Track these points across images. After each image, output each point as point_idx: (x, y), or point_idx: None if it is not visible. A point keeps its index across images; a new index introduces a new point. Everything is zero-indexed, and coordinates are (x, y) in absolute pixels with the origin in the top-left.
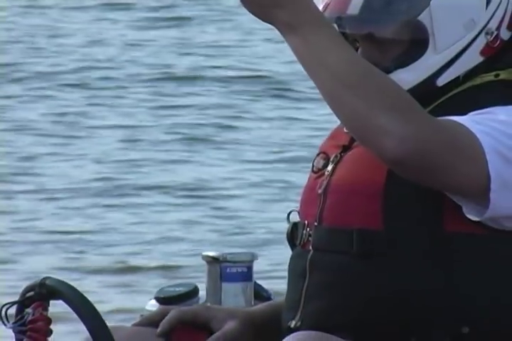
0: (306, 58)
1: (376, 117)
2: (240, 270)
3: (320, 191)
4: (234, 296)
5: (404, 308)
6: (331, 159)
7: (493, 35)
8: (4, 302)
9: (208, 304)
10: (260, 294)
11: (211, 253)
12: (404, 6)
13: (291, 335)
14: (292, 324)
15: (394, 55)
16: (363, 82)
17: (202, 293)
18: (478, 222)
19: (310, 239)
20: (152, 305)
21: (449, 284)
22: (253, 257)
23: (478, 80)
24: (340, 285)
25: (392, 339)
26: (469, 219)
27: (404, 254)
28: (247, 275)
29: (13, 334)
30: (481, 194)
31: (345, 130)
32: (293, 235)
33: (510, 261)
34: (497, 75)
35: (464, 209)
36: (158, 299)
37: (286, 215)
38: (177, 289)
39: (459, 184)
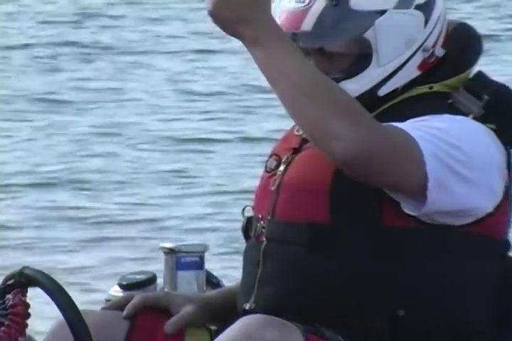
0: (268, 69)
1: (329, 123)
2: (193, 259)
3: (273, 188)
4: (188, 283)
5: (348, 293)
6: (283, 160)
7: (429, 52)
8: None
9: (166, 290)
10: (211, 281)
11: (167, 245)
12: (351, 24)
13: (242, 318)
14: (247, 306)
15: (342, 67)
16: (318, 92)
17: (159, 280)
18: (414, 216)
19: (263, 231)
20: (115, 291)
21: (387, 272)
22: (205, 248)
23: (414, 91)
24: (291, 272)
25: (336, 321)
26: (406, 214)
27: (348, 245)
28: (199, 264)
29: None
30: (419, 192)
31: (295, 133)
32: (247, 228)
33: (440, 252)
34: (431, 87)
35: (403, 205)
36: (120, 285)
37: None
38: (137, 276)
39: (400, 183)
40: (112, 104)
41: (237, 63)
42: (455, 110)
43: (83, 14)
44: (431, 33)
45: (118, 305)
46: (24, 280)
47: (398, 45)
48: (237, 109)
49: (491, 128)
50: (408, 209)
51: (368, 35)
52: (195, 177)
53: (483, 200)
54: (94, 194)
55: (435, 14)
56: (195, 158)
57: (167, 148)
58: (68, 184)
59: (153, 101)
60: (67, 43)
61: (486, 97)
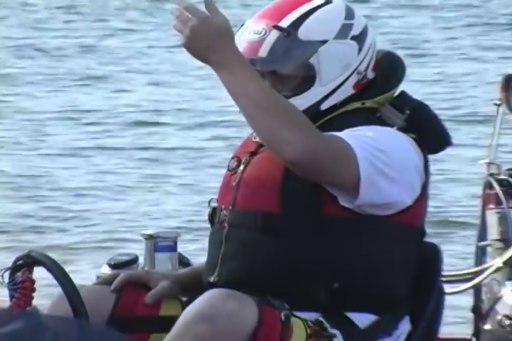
0: (232, 88)
1: (281, 132)
2: (168, 244)
3: (234, 184)
4: (164, 263)
5: (293, 270)
6: (243, 161)
7: (362, 75)
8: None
9: (146, 268)
10: (182, 261)
11: (147, 232)
12: (299, 51)
13: (207, 292)
14: (211, 279)
15: (291, 87)
16: (272, 106)
17: (141, 260)
18: (348, 208)
19: (226, 218)
20: (105, 269)
21: (326, 253)
22: (177, 234)
23: (350, 106)
24: (248, 252)
25: (284, 293)
26: (342, 206)
27: (295, 231)
28: (173, 248)
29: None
30: (353, 188)
31: (253, 140)
32: (213, 216)
33: (369, 237)
34: (363, 103)
35: (339, 199)
36: (109, 265)
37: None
38: (123, 258)
39: (337, 181)
40: None
41: None
42: (382, 122)
43: None
44: (363, 59)
45: (107, 281)
46: (30, 261)
47: (337, 69)
48: None
49: (412, 137)
50: (343, 202)
51: (313, 60)
52: None
53: (404, 195)
54: None
55: (367, 44)
56: None
57: None
58: None
59: None
60: None
61: (407, 112)
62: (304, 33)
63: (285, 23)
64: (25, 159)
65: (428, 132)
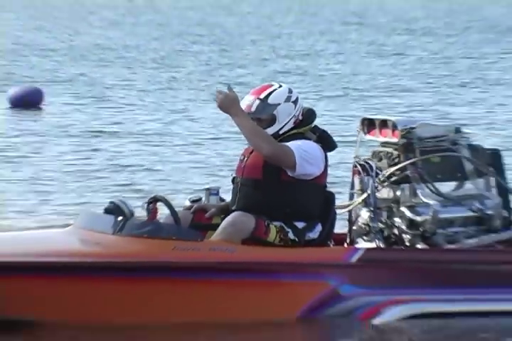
0: (240, 126)
1: (261, 144)
2: (215, 192)
3: (242, 166)
4: (213, 200)
5: (269, 204)
6: (246, 156)
7: (297, 118)
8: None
9: (205, 203)
10: (222, 199)
11: (207, 187)
12: (269, 109)
13: (232, 213)
14: (233, 208)
15: (265, 124)
16: (258, 133)
17: (203, 199)
18: (292, 176)
19: (239, 181)
20: (187, 203)
21: (283, 196)
22: (219, 188)
23: (292, 132)
24: (248, 196)
25: (266, 214)
26: (289, 176)
27: (269, 187)
28: (217, 194)
29: None
30: (293, 167)
31: (249, 148)
32: (233, 180)
33: (302, 189)
34: (297, 130)
35: (288, 172)
36: (189, 200)
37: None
38: (194, 198)
39: (286, 164)
40: None
41: None
42: (307, 138)
43: None
44: (297, 111)
45: (188, 208)
46: (156, 199)
47: (285, 116)
48: None
49: (319, 144)
50: (290, 174)
51: (275, 112)
52: None
53: (316, 171)
54: None
55: (299, 104)
56: None
57: None
58: None
59: None
60: None
61: (317, 134)
62: (270, 100)
63: (262, 96)
64: None
65: (325, 142)
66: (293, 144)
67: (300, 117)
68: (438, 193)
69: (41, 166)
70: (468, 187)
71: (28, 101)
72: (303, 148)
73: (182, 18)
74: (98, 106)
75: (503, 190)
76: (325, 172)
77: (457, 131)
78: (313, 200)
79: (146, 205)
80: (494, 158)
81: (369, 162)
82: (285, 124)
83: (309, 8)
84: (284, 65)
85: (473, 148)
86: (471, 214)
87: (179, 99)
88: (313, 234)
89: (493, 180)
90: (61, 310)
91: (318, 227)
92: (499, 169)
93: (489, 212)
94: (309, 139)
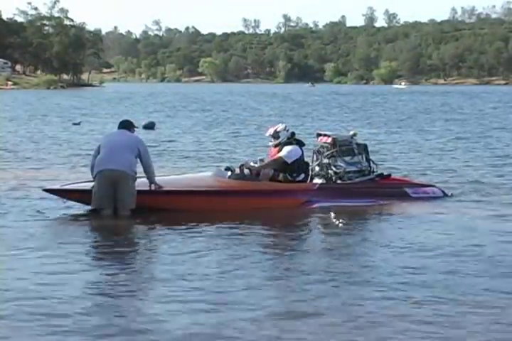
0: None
1: (269, 167)
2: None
3: (272, 155)
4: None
5: (283, 170)
6: (272, 151)
7: (288, 135)
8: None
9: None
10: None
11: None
12: (278, 133)
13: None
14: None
15: (276, 138)
16: (269, 167)
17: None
18: (290, 162)
19: (264, 158)
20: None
21: (289, 166)
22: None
23: (287, 141)
24: (267, 165)
25: (282, 172)
26: (288, 162)
27: (279, 165)
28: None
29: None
30: (286, 161)
31: (273, 147)
32: (262, 159)
33: (291, 165)
34: (288, 140)
35: (287, 161)
36: (226, 169)
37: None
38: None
39: (282, 162)
40: None
41: None
42: (292, 144)
43: None
44: (288, 133)
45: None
46: (242, 165)
47: (284, 135)
48: None
49: (297, 145)
50: (288, 162)
51: (280, 134)
52: None
53: (298, 157)
54: None
55: (289, 130)
56: None
57: None
58: None
59: None
60: None
61: (295, 141)
62: (278, 129)
63: (275, 128)
64: None
65: (300, 144)
66: (286, 149)
67: (289, 135)
68: (345, 161)
69: None
70: (356, 159)
71: (148, 127)
72: (288, 151)
73: None
74: None
75: (367, 160)
76: (302, 156)
77: (354, 135)
78: (300, 166)
79: (238, 168)
80: (365, 147)
81: (320, 149)
82: (283, 138)
83: None
84: None
85: (358, 143)
86: (357, 169)
87: None
88: (300, 178)
89: (363, 156)
90: (207, 206)
91: (302, 175)
92: (366, 151)
93: (363, 168)
94: (293, 144)
